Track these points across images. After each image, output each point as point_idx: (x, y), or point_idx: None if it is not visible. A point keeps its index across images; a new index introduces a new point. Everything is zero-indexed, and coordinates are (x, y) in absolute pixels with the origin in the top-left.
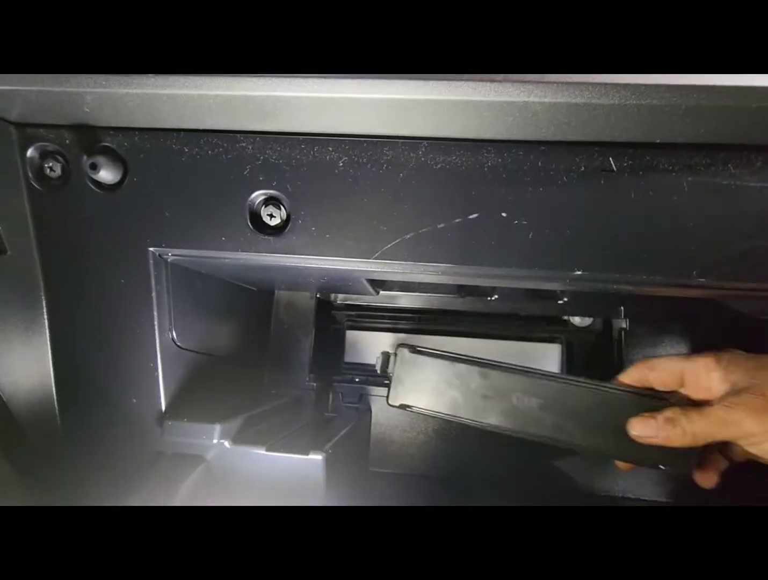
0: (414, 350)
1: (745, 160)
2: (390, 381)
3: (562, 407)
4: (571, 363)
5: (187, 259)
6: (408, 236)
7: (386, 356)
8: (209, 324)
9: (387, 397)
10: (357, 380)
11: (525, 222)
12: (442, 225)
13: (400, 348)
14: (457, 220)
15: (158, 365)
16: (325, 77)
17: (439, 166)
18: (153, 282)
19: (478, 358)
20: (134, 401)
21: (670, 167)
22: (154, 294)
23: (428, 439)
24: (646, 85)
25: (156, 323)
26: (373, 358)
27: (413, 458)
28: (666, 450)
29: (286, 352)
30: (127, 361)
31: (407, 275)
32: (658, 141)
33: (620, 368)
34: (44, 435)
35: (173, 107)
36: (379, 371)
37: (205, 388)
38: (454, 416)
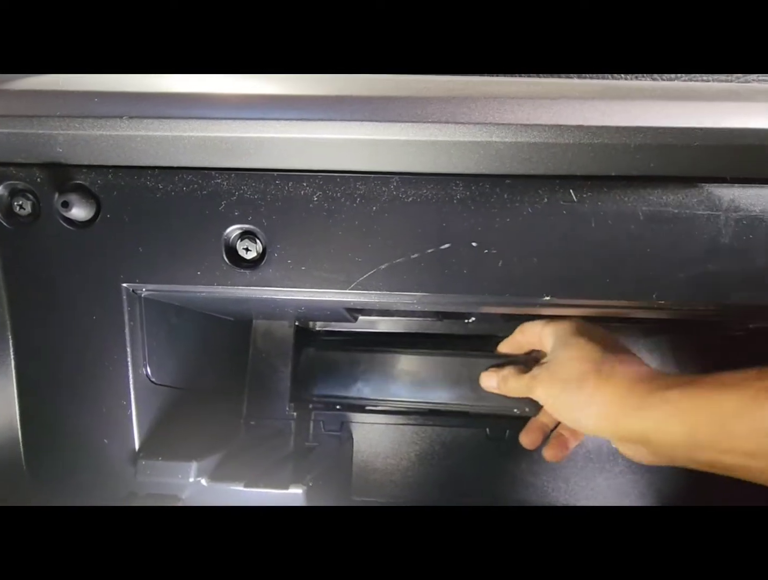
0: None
1: (692, 190)
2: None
3: (440, 376)
4: None
5: (162, 294)
6: (383, 267)
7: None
8: (185, 358)
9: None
10: (338, 407)
11: (494, 251)
12: (415, 255)
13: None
14: (429, 251)
15: (131, 403)
16: (297, 121)
17: (410, 199)
18: (126, 318)
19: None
20: (105, 441)
21: (626, 198)
22: (127, 330)
23: (411, 465)
24: (597, 127)
25: (129, 359)
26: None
27: (397, 485)
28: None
29: (264, 382)
30: (99, 400)
31: (383, 304)
32: (613, 174)
33: None
34: (8, 479)
35: (147, 147)
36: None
37: (181, 424)
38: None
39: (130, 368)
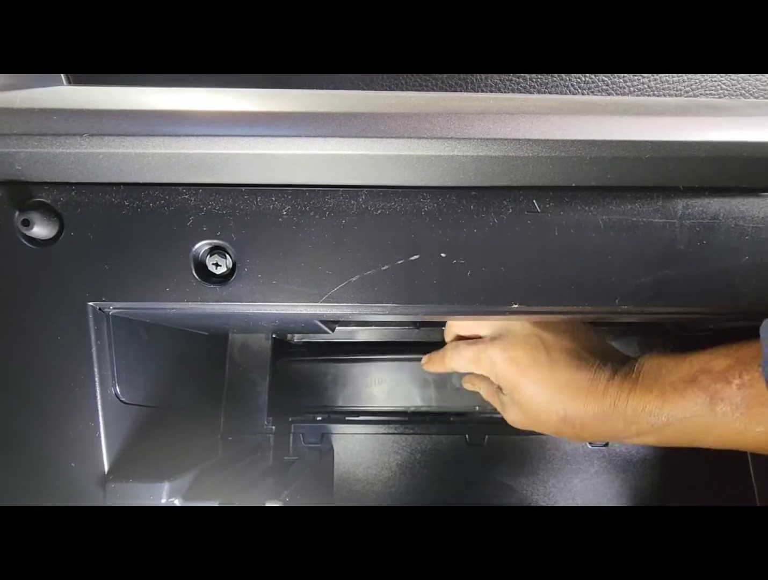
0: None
1: (648, 200)
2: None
3: (418, 381)
4: None
5: (130, 312)
6: (354, 279)
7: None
8: (157, 375)
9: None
10: (318, 418)
11: (463, 261)
12: (385, 267)
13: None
14: (399, 262)
15: (100, 424)
16: (262, 137)
17: (379, 211)
18: (93, 337)
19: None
20: (73, 464)
21: (587, 207)
22: (94, 349)
23: (392, 475)
24: (554, 141)
25: (97, 379)
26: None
27: (379, 495)
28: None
29: (242, 396)
30: (66, 422)
31: (356, 316)
32: (573, 184)
33: None
34: None
35: (110, 164)
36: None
37: (154, 443)
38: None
39: (97, 388)
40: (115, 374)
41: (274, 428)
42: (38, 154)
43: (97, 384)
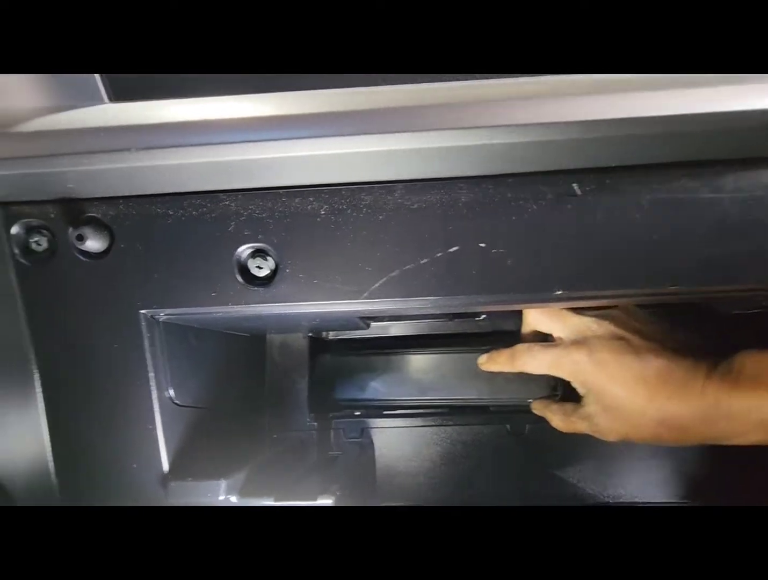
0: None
1: (695, 174)
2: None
3: (455, 373)
4: None
5: (180, 317)
6: (394, 274)
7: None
8: (206, 377)
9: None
10: (357, 413)
11: (503, 250)
12: (424, 260)
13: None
14: (438, 255)
15: (158, 426)
16: (297, 139)
17: (416, 205)
18: (146, 343)
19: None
20: (135, 465)
21: (629, 187)
22: (148, 355)
23: (433, 466)
24: (589, 121)
25: (153, 383)
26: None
27: (422, 487)
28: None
29: (283, 394)
30: (126, 426)
31: (396, 310)
32: (613, 165)
33: None
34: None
35: (154, 176)
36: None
37: (207, 443)
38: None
39: (154, 392)
40: (169, 377)
41: (315, 424)
42: (88, 171)
43: (154, 388)
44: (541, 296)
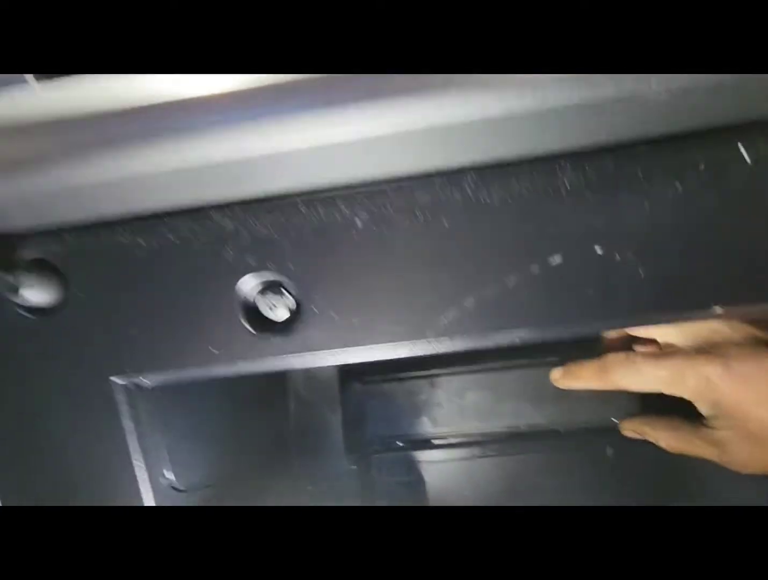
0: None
1: None
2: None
3: (516, 393)
4: None
5: (171, 382)
6: (468, 303)
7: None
8: (217, 446)
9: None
10: (401, 444)
11: (630, 255)
12: (513, 280)
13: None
14: (533, 270)
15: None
16: (315, 110)
17: (496, 200)
18: (127, 419)
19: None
20: None
21: None
22: (133, 435)
23: (497, 504)
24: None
25: (143, 468)
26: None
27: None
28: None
29: (313, 436)
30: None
31: (474, 348)
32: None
33: None
34: None
35: (114, 193)
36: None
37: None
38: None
39: (146, 481)
40: (167, 458)
41: (355, 468)
42: (13, 190)
43: (144, 475)
44: (690, 314)
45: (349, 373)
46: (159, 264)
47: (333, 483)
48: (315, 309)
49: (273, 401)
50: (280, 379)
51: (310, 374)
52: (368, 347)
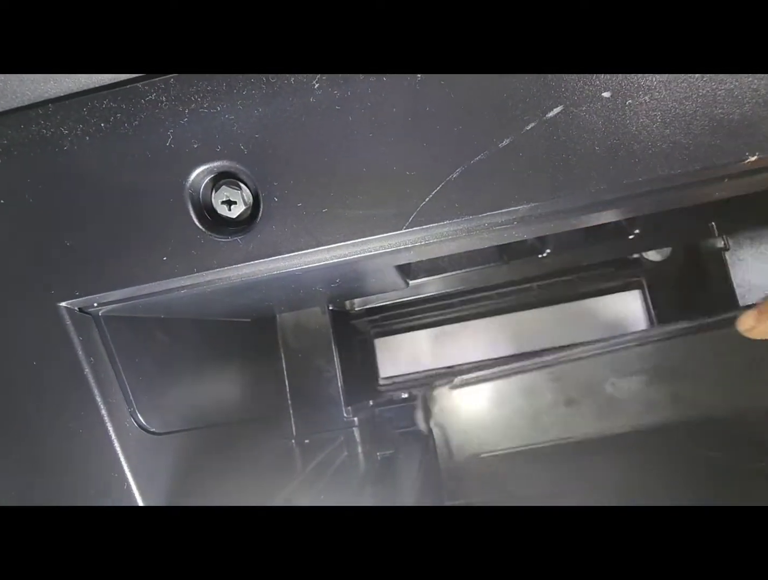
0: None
1: None
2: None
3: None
4: (659, 309)
5: (127, 306)
6: (454, 175)
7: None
8: (193, 386)
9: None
10: (404, 395)
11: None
12: (505, 142)
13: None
14: (530, 126)
15: (123, 467)
16: None
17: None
18: (80, 351)
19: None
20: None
21: None
22: (87, 369)
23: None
24: None
25: (103, 409)
26: (414, 364)
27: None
28: None
29: (309, 387)
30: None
31: (459, 244)
32: None
33: (730, 296)
34: None
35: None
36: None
37: (213, 472)
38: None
39: (107, 422)
40: (131, 398)
41: (355, 419)
42: None
43: (106, 416)
44: (721, 165)
45: (344, 321)
46: (86, 158)
47: (331, 436)
48: (277, 201)
49: (264, 351)
50: (268, 329)
51: (298, 323)
52: (340, 243)
